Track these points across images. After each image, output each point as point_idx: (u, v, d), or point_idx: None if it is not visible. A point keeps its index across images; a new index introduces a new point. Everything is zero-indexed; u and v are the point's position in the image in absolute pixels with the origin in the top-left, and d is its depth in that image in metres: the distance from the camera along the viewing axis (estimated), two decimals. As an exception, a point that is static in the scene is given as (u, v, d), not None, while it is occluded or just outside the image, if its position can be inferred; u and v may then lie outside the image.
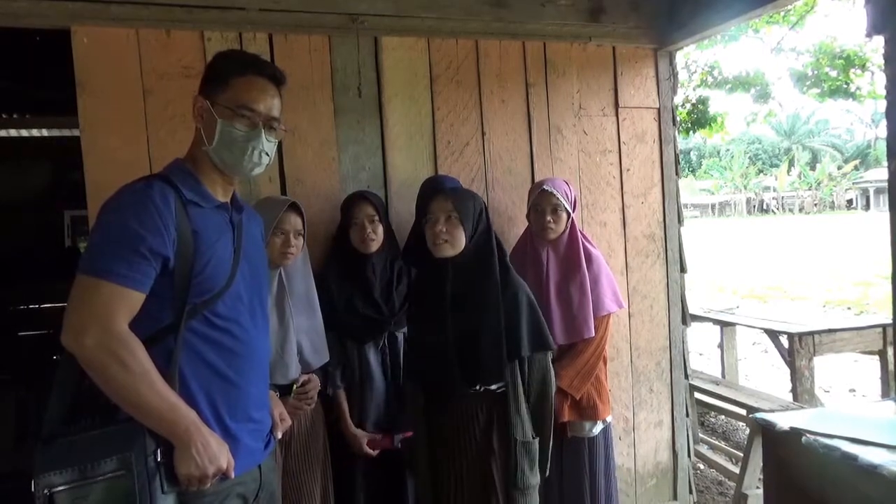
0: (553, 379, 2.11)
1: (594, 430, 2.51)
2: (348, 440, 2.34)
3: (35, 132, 5.60)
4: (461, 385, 2.00)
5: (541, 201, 2.49)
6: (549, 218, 2.46)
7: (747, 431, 3.93)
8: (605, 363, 2.58)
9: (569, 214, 2.49)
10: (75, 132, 2.45)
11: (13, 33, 2.55)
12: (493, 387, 2.02)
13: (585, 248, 2.53)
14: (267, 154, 1.55)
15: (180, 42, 2.50)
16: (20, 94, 4.77)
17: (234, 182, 1.59)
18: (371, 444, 2.33)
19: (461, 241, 2.00)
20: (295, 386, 2.12)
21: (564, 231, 2.50)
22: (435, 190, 2.27)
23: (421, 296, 2.19)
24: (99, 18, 2.41)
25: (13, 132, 5.60)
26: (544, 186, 2.48)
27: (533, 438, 2.02)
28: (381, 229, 2.38)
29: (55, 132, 5.44)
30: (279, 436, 1.69)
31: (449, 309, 2.01)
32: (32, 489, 1.25)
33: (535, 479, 2.02)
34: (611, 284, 2.55)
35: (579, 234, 2.55)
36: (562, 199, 2.46)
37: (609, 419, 2.58)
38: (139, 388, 1.29)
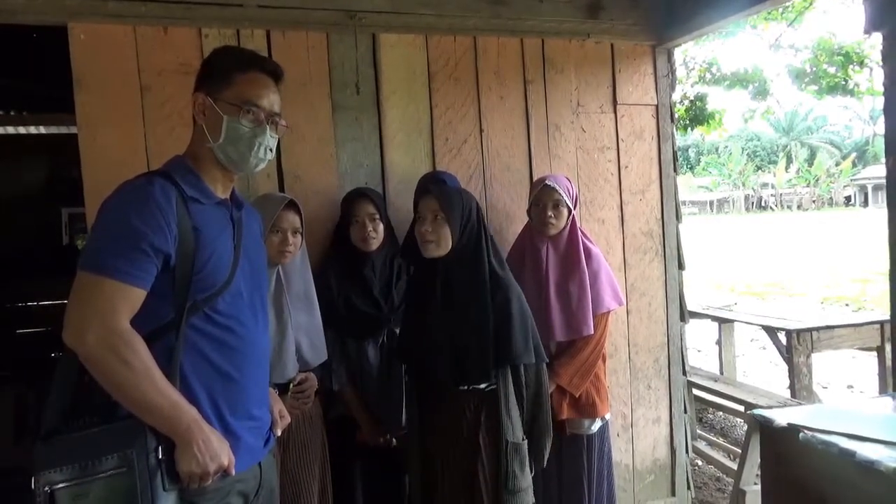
0: (547, 388, 2.10)
1: (593, 428, 2.51)
2: (369, 430, 2.34)
3: (32, 129, 5.58)
4: (448, 383, 2.00)
5: (542, 196, 2.48)
6: (549, 213, 2.46)
7: (745, 428, 3.93)
8: (605, 360, 2.59)
9: (570, 211, 2.49)
10: (73, 129, 2.45)
11: (10, 30, 2.54)
12: (482, 386, 2.01)
13: (585, 245, 2.53)
14: (270, 150, 1.56)
15: (178, 39, 2.49)
16: (17, 92, 4.76)
17: (234, 179, 1.59)
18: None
19: (447, 240, 1.99)
20: (291, 385, 2.12)
21: (565, 227, 2.50)
22: (423, 189, 2.27)
23: (413, 293, 2.20)
24: (96, 15, 2.40)
25: (10, 129, 5.58)
26: (546, 182, 2.48)
27: (522, 440, 2.00)
28: (381, 227, 2.38)
29: (52, 129, 5.42)
30: (279, 433, 1.69)
31: (439, 307, 2.01)
32: (32, 486, 1.25)
33: (526, 482, 1.99)
34: (610, 281, 2.55)
35: (579, 231, 2.55)
36: (563, 195, 2.46)
37: (608, 416, 2.58)
38: (141, 385, 1.29)
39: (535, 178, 2.89)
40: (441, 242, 1.99)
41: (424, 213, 2.02)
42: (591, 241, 2.61)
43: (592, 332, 2.45)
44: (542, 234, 2.52)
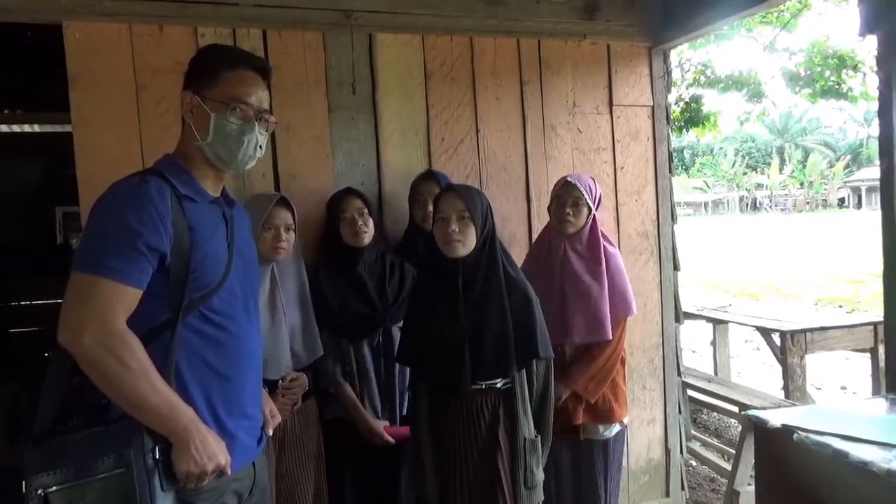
0: (552, 385, 2.09)
1: (608, 433, 2.44)
2: (366, 431, 2.31)
3: (27, 127, 5.56)
4: (467, 382, 1.98)
5: (562, 193, 2.42)
6: (568, 210, 2.38)
7: (739, 428, 3.95)
8: (624, 364, 2.50)
9: (590, 210, 2.41)
10: (67, 128, 2.44)
11: (4, 28, 2.53)
12: (499, 384, 2.00)
13: (605, 248, 2.44)
14: (260, 147, 1.55)
15: (173, 37, 2.49)
16: (12, 90, 4.74)
17: (225, 177, 1.59)
18: (389, 431, 2.32)
19: (472, 240, 1.97)
20: (281, 382, 2.11)
21: (584, 227, 2.41)
22: (446, 186, 2.22)
23: (428, 293, 2.14)
24: (91, 13, 2.39)
25: (4, 127, 5.56)
26: (568, 178, 2.42)
27: (536, 437, 2.02)
28: (371, 222, 2.38)
29: (47, 128, 5.41)
30: (270, 433, 1.69)
31: (460, 306, 1.98)
32: (24, 490, 1.23)
33: (541, 476, 2.03)
34: (627, 287, 2.47)
35: (600, 232, 2.46)
36: (584, 194, 2.38)
37: (626, 420, 2.51)
38: (138, 386, 1.28)
39: (530, 179, 2.89)
40: (467, 242, 1.96)
41: (449, 212, 1.97)
42: (610, 244, 2.51)
43: (610, 337, 2.36)
44: (560, 231, 2.43)
